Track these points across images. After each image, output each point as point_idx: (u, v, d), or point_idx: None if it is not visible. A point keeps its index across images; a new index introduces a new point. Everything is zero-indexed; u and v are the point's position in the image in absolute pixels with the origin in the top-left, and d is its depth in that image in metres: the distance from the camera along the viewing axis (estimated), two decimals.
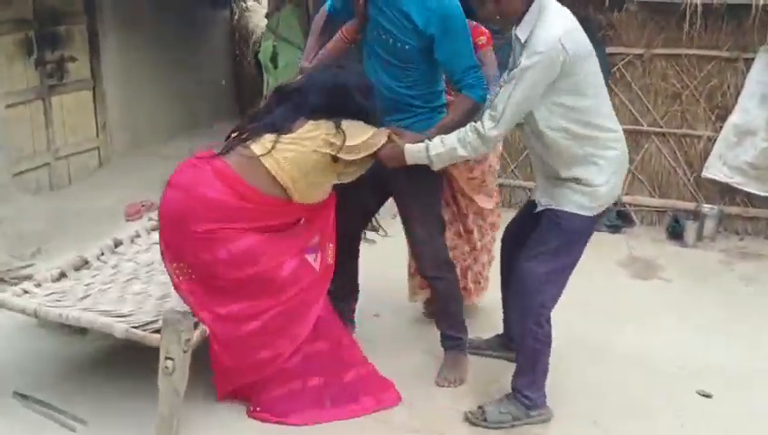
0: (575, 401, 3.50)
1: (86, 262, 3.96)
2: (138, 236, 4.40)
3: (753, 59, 5.57)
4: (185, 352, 3.00)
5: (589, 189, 3.07)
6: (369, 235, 5.19)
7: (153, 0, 7.20)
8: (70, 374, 3.68)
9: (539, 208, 3.21)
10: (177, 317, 2.98)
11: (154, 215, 4.39)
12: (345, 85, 3.19)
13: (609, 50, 5.80)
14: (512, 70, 3.01)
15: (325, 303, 3.36)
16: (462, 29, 3.29)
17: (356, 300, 4.06)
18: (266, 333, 3.17)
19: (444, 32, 3.23)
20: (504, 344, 3.79)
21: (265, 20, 8.90)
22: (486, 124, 3.02)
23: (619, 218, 5.90)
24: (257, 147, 3.09)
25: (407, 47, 3.31)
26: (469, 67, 3.31)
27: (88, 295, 3.59)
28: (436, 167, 3.20)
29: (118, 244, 4.22)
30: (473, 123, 3.07)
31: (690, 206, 5.90)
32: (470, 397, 3.54)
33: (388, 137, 3.25)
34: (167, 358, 2.99)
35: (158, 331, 3.06)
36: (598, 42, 5.79)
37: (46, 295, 3.53)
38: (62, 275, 3.79)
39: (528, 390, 3.30)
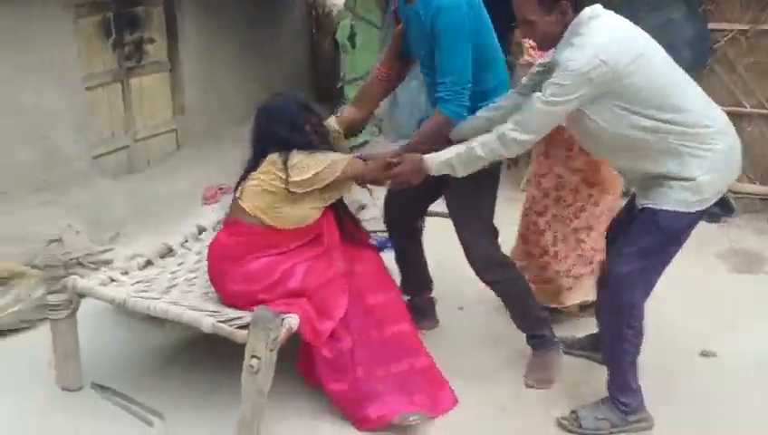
0: (678, 407, 3.25)
1: (171, 249, 3.89)
2: (220, 222, 4.27)
3: None
4: (271, 351, 2.85)
5: (688, 183, 2.80)
6: None
7: None
8: (148, 365, 3.63)
9: (638, 207, 2.97)
10: (267, 315, 2.83)
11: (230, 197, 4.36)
12: (269, 115, 3.26)
13: (710, 26, 5.45)
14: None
15: (381, 290, 3.31)
16: (448, 29, 3.02)
17: (430, 290, 3.91)
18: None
19: (435, 29, 3.05)
20: (598, 344, 3.53)
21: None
22: (508, 126, 2.84)
23: (717, 206, 5.50)
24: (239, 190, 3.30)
25: (422, 52, 3.20)
26: (446, 76, 3.06)
27: (174, 285, 3.52)
28: (461, 172, 2.99)
29: (201, 230, 4.13)
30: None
31: None
32: (563, 400, 3.32)
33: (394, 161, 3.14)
34: (253, 356, 2.84)
35: (244, 327, 2.93)
36: (698, 17, 5.49)
37: (133, 284, 3.46)
38: (149, 263, 3.72)
39: (623, 395, 3.08)
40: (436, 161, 3.01)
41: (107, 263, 4.44)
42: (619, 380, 3.08)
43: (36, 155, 5.41)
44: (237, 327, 2.98)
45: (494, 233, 3.43)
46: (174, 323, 3.78)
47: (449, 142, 3.17)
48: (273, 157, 3.17)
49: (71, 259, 4.66)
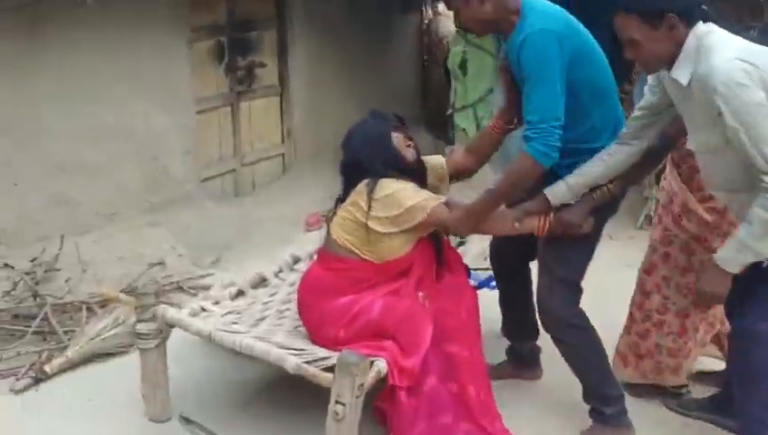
0: None
1: (264, 279, 3.82)
2: (316, 252, 4.16)
3: None
4: (357, 397, 2.68)
5: None
6: None
7: (344, 5, 7.02)
8: (235, 399, 3.53)
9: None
10: (353, 359, 2.66)
11: None
12: (358, 138, 3.17)
13: None
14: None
15: (461, 340, 3.06)
16: (533, 58, 2.77)
17: (534, 339, 3.62)
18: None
19: (521, 61, 2.83)
20: (722, 407, 3.16)
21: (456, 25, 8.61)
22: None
23: None
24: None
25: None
26: (532, 113, 2.79)
27: (265, 317, 3.44)
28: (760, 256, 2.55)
29: (296, 260, 4.05)
30: (761, 187, 2.42)
31: None
32: None
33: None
34: (337, 402, 2.68)
35: (330, 368, 2.78)
36: None
37: (223, 315, 3.39)
38: (240, 293, 3.65)
39: None
40: (731, 253, 2.56)
41: (206, 288, 4.40)
42: None
43: (145, 177, 5.48)
44: (323, 369, 2.83)
45: (577, 289, 3.12)
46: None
47: (536, 188, 2.95)
48: (362, 186, 3.04)
49: (171, 283, 4.68)
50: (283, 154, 6.95)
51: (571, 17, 2.95)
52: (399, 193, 2.99)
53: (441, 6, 8.43)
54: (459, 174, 3.45)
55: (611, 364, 3.27)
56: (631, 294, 3.45)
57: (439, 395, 2.95)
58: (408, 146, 3.18)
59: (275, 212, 6.17)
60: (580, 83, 2.86)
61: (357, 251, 3.08)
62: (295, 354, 2.93)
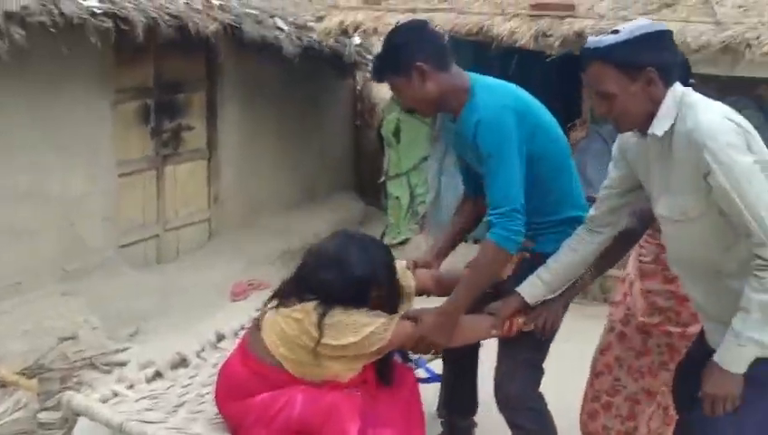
0: None
1: (184, 359, 3.51)
2: (243, 328, 3.91)
3: None
4: None
5: None
6: None
7: (277, 68, 6.90)
8: None
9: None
10: None
11: (262, 295, 4.04)
12: (332, 261, 2.74)
13: None
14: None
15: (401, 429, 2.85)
16: (491, 148, 2.66)
17: (474, 414, 3.48)
18: None
19: (478, 147, 2.72)
20: None
21: (390, 92, 8.59)
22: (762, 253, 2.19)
23: None
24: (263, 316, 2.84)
25: (473, 160, 2.88)
26: (493, 202, 2.68)
27: (183, 402, 3.13)
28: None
29: (220, 338, 3.75)
30: (755, 265, 2.21)
31: None
32: None
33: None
34: None
35: None
36: None
37: (137, 401, 3.08)
38: (158, 375, 3.35)
39: None
40: (734, 354, 2.28)
41: (122, 364, 4.10)
42: None
43: (61, 243, 5.18)
44: None
45: (540, 371, 2.98)
46: None
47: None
48: (310, 306, 2.68)
49: (83, 359, 4.36)
50: (210, 219, 6.72)
51: (524, 92, 2.87)
52: (354, 317, 2.68)
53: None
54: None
55: None
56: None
57: None
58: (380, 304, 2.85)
59: (200, 280, 5.93)
60: (539, 157, 2.77)
61: (288, 367, 2.76)
62: None
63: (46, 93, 4.96)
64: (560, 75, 5.65)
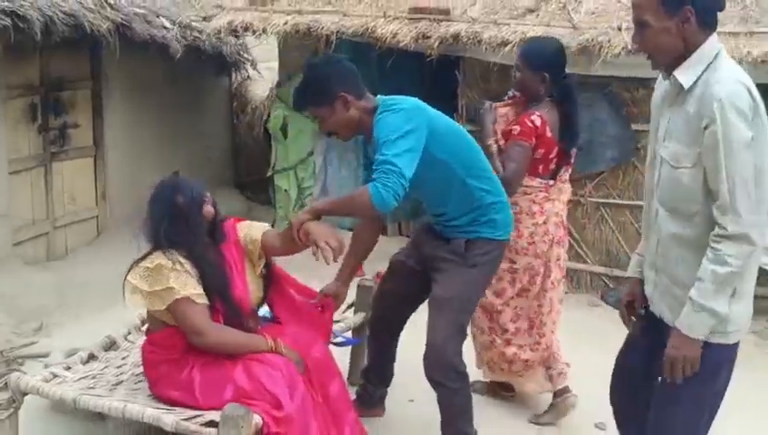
0: None
1: (114, 342, 3.70)
2: None
3: None
4: None
5: None
6: None
7: (159, 66, 7.02)
8: None
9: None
10: (240, 411, 2.72)
11: None
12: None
13: (634, 127, 5.77)
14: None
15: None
16: (383, 127, 2.99)
17: (388, 386, 3.86)
18: None
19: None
20: None
21: (267, 90, 8.85)
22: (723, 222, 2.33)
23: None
24: None
25: None
26: (384, 156, 2.91)
27: (121, 381, 3.33)
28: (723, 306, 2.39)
29: (144, 322, 3.95)
30: (714, 236, 2.36)
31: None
32: None
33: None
34: None
35: (209, 424, 2.80)
36: (623, 119, 5.81)
37: (77, 380, 3.26)
38: (92, 357, 3.53)
39: None
40: (696, 321, 2.38)
41: (41, 356, 4.19)
42: None
43: None
44: (201, 424, 2.84)
45: (464, 337, 3.38)
46: (116, 421, 3.67)
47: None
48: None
49: None
50: (98, 216, 6.75)
51: (425, 105, 3.17)
52: (157, 269, 3.03)
53: (251, 71, 8.64)
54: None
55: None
56: None
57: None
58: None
59: (95, 275, 5.94)
60: (449, 157, 3.13)
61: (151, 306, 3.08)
62: (169, 412, 2.92)
63: None
64: (437, 73, 6.14)
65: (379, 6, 6.04)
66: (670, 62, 2.42)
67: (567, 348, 4.16)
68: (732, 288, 2.36)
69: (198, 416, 2.90)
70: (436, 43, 5.71)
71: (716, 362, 2.45)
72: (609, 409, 2.98)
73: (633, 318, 2.77)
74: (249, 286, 3.25)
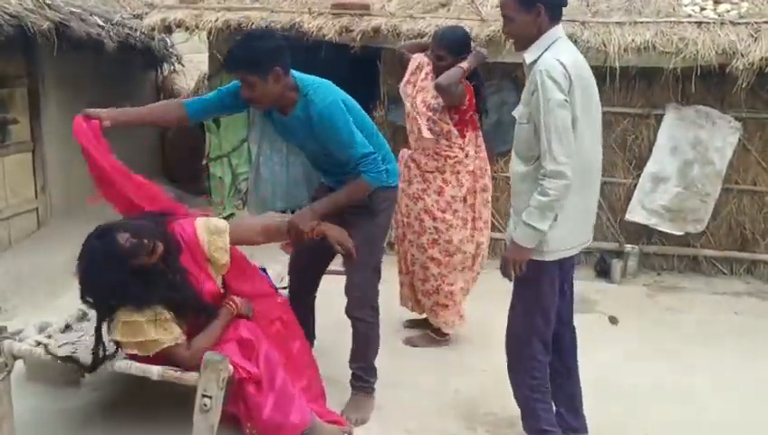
0: None
1: (85, 314, 4.08)
2: None
3: (662, 115, 6.32)
4: (221, 389, 3.21)
5: None
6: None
7: (92, 62, 7.29)
8: (76, 424, 3.77)
9: None
10: (218, 357, 3.19)
11: None
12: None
13: None
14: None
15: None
16: (334, 121, 3.48)
17: (312, 345, 4.23)
18: None
19: (324, 127, 3.50)
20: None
21: (191, 82, 9.17)
22: (544, 164, 3.11)
23: None
24: None
25: (308, 146, 3.73)
26: (356, 155, 3.55)
27: None
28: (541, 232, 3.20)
29: None
30: (540, 174, 3.14)
31: (614, 246, 6.54)
32: None
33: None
34: (204, 395, 3.18)
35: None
36: None
37: (60, 346, 3.63)
38: (68, 327, 3.91)
39: None
40: (520, 233, 3.22)
41: (16, 333, 4.46)
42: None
43: None
44: (183, 371, 3.30)
45: (379, 276, 3.92)
46: (89, 386, 4.07)
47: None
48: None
49: None
50: (38, 209, 6.99)
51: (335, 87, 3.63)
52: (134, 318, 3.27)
53: (177, 65, 8.95)
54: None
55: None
56: None
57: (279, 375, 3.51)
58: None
59: (40, 265, 6.21)
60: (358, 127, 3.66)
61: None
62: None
63: None
64: (360, 64, 6.64)
65: (304, 3, 6.49)
66: (527, 45, 3.20)
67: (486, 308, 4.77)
68: (553, 213, 3.16)
69: (177, 369, 3.35)
70: (359, 36, 6.22)
71: (536, 272, 3.28)
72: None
73: None
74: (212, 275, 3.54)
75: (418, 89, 4.55)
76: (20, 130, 6.70)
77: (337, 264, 4.04)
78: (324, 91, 3.56)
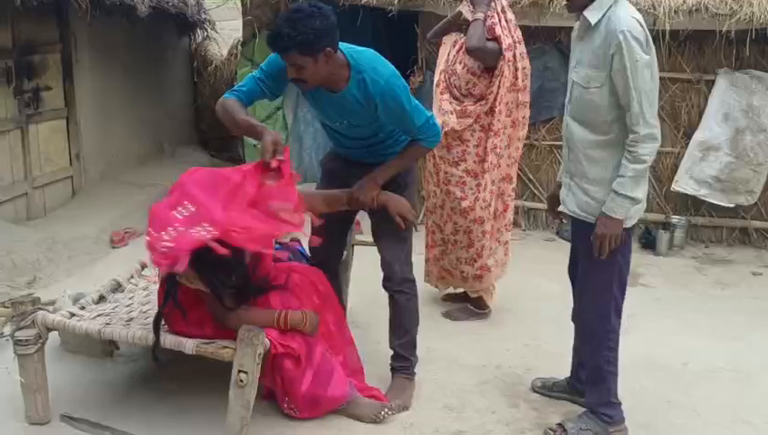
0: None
1: (120, 284, 4.02)
2: None
3: (713, 81, 6.05)
4: (258, 365, 3.11)
5: None
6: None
7: (125, 28, 7.20)
8: (112, 396, 3.71)
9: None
10: (254, 332, 3.09)
11: (138, 241, 4.70)
12: None
13: None
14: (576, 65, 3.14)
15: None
16: (403, 102, 3.35)
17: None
18: None
19: (386, 102, 3.35)
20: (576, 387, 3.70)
21: (225, 49, 9.06)
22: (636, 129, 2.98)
23: None
24: None
25: (356, 122, 3.52)
26: (419, 123, 3.45)
27: (132, 318, 3.64)
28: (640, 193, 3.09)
29: (143, 266, 4.27)
30: (629, 141, 3.01)
31: (660, 217, 6.32)
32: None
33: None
34: (240, 371, 3.08)
35: (225, 346, 3.17)
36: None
37: (94, 318, 3.58)
38: (102, 299, 3.85)
39: (605, 408, 3.37)
40: (612, 205, 3.07)
41: (49, 304, 4.44)
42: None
43: None
44: (218, 348, 3.20)
45: (411, 249, 3.79)
46: (124, 357, 4.02)
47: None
48: None
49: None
50: (72, 177, 6.95)
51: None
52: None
53: (210, 32, 8.82)
54: None
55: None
56: None
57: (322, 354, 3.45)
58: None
59: (75, 233, 6.18)
60: None
61: None
62: (187, 339, 3.27)
63: None
64: (399, 29, 6.47)
65: None
66: (582, 5, 3.08)
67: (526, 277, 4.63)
68: (646, 179, 3.08)
69: (212, 342, 3.26)
70: (397, 0, 6.03)
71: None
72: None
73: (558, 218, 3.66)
74: None
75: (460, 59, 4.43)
76: (54, 97, 6.64)
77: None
78: (379, 66, 3.38)
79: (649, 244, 6.16)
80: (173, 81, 8.70)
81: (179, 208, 3.09)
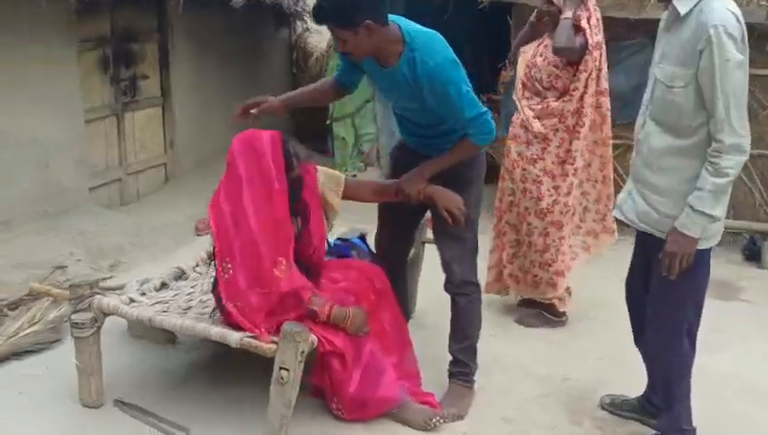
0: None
1: (183, 272, 4.02)
2: None
3: None
4: (300, 362, 3.01)
5: None
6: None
7: (221, 19, 7.29)
8: (167, 383, 3.71)
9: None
10: (297, 329, 3.00)
11: None
12: None
13: None
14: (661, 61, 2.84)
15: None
16: (453, 86, 3.19)
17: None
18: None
19: (434, 85, 3.20)
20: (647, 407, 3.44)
21: (325, 41, 9.04)
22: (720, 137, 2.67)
23: None
24: None
25: (407, 103, 3.41)
26: (470, 115, 3.26)
27: (190, 307, 3.62)
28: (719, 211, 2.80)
29: (210, 256, 4.25)
30: (711, 151, 2.71)
31: (765, 227, 5.85)
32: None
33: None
34: (282, 368, 3.00)
35: (272, 340, 3.09)
36: None
37: (152, 304, 3.58)
38: (164, 285, 3.85)
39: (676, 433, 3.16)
40: (688, 221, 2.76)
41: (115, 289, 4.53)
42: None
43: (38, 185, 5.52)
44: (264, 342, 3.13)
45: (477, 250, 3.62)
46: (185, 345, 4.01)
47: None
48: None
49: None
50: (166, 164, 7.10)
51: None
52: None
53: (309, 23, 8.84)
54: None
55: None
56: None
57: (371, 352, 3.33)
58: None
59: (164, 219, 6.33)
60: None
61: None
62: (233, 331, 3.21)
63: (17, 44, 5.25)
64: (488, 21, 6.25)
65: None
66: None
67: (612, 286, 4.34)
68: (728, 196, 2.73)
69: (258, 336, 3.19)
70: None
71: (693, 262, 2.81)
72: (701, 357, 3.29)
73: None
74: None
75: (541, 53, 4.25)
76: (150, 86, 6.80)
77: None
78: (434, 48, 3.24)
79: (753, 255, 5.70)
80: (271, 72, 8.76)
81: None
